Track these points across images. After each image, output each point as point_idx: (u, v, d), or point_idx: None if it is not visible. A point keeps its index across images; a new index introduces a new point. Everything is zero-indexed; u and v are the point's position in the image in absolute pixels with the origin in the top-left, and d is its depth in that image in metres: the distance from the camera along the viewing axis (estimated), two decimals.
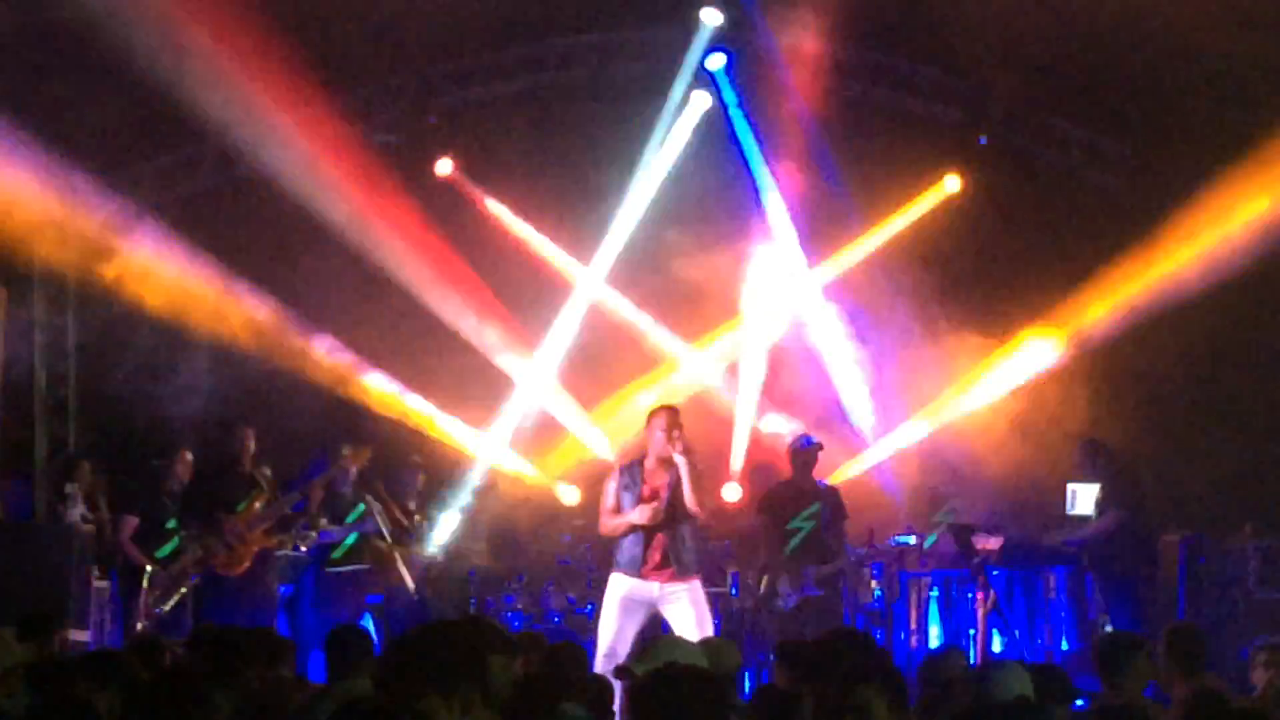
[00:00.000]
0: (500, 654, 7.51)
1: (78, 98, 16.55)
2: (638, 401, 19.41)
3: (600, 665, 13.03)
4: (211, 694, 7.26)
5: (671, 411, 14.32)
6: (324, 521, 16.84)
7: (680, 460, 13.90)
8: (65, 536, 15.32)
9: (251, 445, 16.45)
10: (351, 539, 17.06)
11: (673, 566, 14.01)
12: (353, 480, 17.19)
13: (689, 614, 13.89)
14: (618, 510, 14.16)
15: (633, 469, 14.29)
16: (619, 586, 14.10)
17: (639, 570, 14.02)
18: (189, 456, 16.86)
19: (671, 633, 13.16)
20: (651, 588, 14.02)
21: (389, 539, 17.11)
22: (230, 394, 18.32)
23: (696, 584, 14.22)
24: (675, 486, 13.99)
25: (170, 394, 18.33)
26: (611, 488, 14.32)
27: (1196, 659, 10.63)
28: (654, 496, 14.05)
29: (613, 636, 13.70)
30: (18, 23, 14.85)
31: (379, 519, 17.01)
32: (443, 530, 18.61)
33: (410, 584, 17.21)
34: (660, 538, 14.03)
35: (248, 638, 10.12)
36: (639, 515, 13.99)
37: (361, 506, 17.08)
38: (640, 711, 6.40)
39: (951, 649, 10.65)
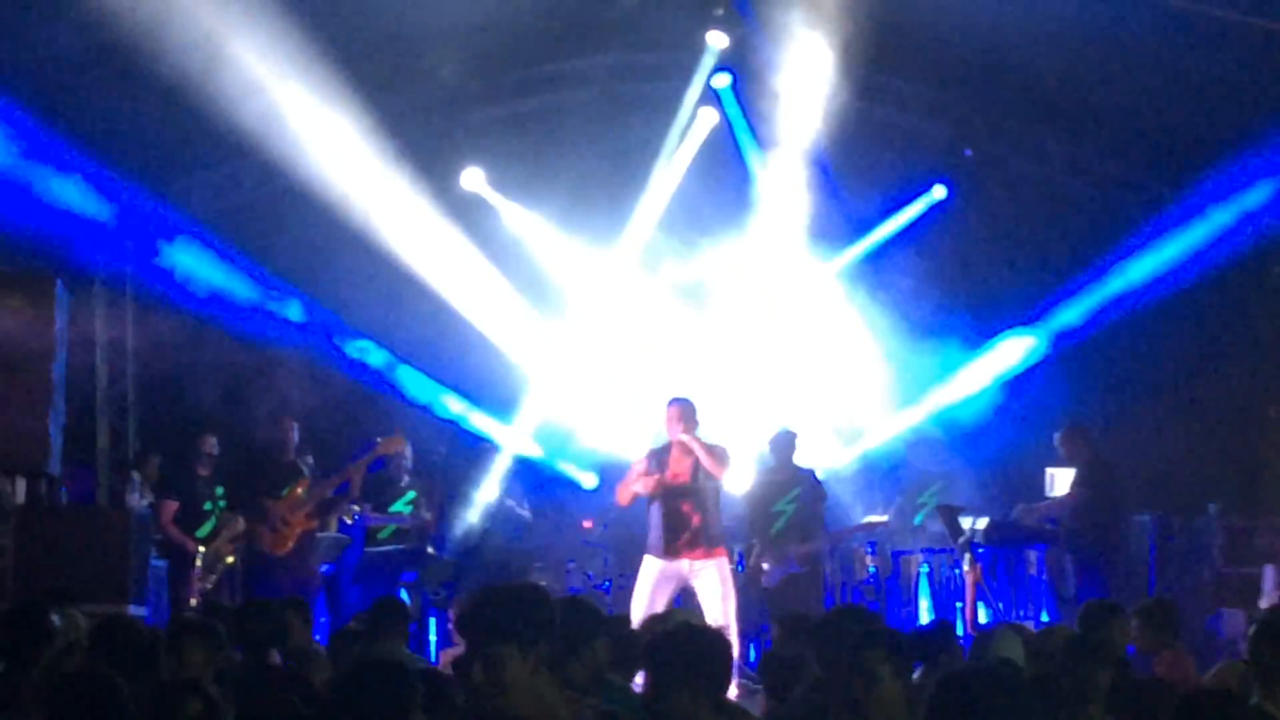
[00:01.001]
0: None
1: (133, 115, 16.60)
2: (650, 393, 19.50)
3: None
4: None
5: (682, 403, 14.49)
6: (368, 508, 16.97)
7: (688, 439, 14.18)
8: (125, 520, 15.30)
9: (294, 436, 16.49)
10: (391, 528, 17.16)
11: (701, 545, 14.24)
12: (407, 469, 17.28)
13: (715, 589, 14.11)
14: (651, 494, 14.40)
15: (659, 454, 14.52)
16: (651, 566, 14.34)
17: (669, 549, 14.24)
18: (212, 440, 16.89)
19: (683, 608, 13.28)
20: (681, 565, 14.25)
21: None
22: (273, 389, 18.36)
23: (723, 560, 14.44)
24: (696, 469, 14.23)
25: (217, 389, 18.40)
26: (638, 468, 14.56)
27: (1170, 630, 10.73)
28: (676, 480, 14.27)
29: (644, 611, 13.71)
30: (78, 44, 14.85)
31: (423, 509, 17.22)
32: (474, 514, 18.66)
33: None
34: (686, 519, 14.26)
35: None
36: (640, 485, 14.35)
37: (412, 494, 17.18)
38: (656, 662, 6.47)
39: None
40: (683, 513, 14.28)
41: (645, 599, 14.07)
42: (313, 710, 7.16)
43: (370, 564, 17.17)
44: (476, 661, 5.72)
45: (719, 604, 13.69)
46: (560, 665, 7.14)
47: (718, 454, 14.37)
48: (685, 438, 14.24)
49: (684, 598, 14.35)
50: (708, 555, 14.24)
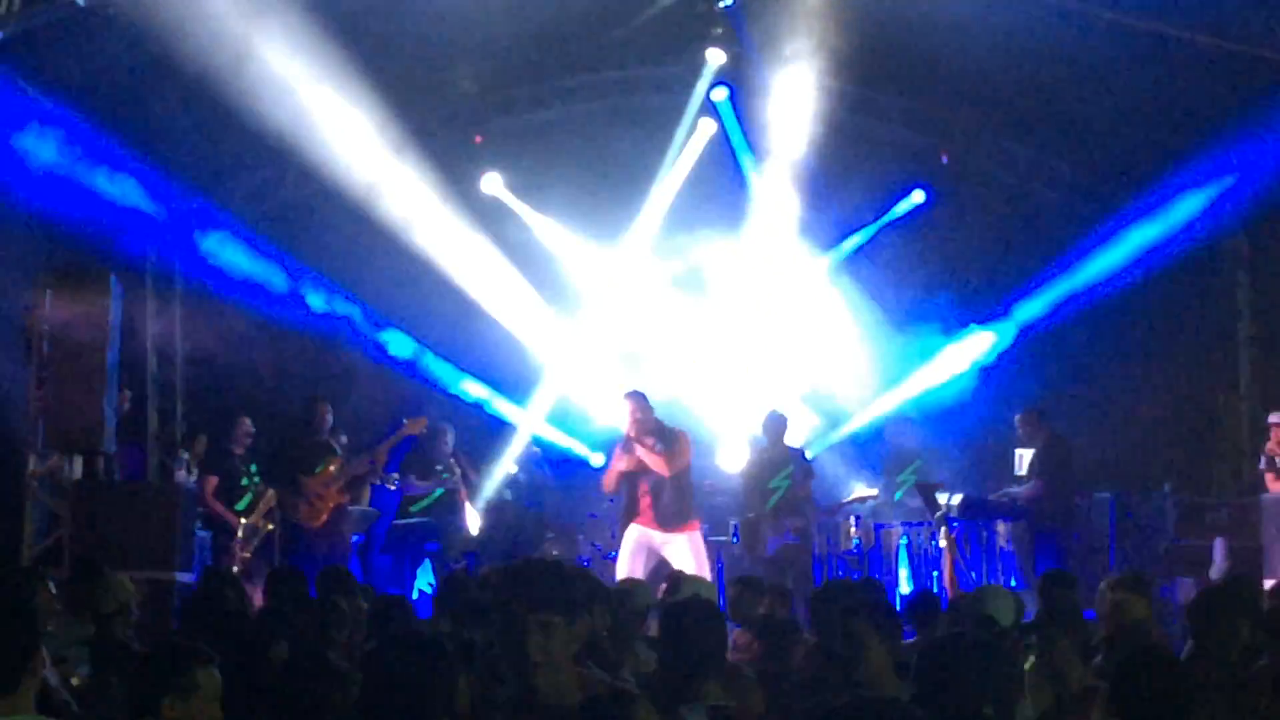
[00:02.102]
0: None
1: (182, 122, 16.61)
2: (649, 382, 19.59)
3: None
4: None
5: (633, 396, 15.01)
6: (411, 478, 17.10)
7: (634, 442, 14.67)
8: (173, 494, 15.32)
9: (328, 418, 16.53)
10: (438, 492, 17.26)
11: (665, 520, 14.67)
12: (448, 452, 17.40)
13: (687, 559, 14.34)
14: (613, 475, 14.99)
15: (628, 443, 14.87)
16: (630, 533, 14.83)
17: (637, 523, 14.76)
18: (247, 422, 16.96)
19: (667, 569, 13.46)
20: (652, 535, 14.74)
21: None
22: (309, 375, 18.38)
23: (693, 534, 14.80)
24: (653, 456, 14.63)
25: (256, 375, 18.43)
26: (615, 454, 15.02)
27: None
28: (638, 466, 14.71)
29: (625, 571, 14.21)
30: (131, 59, 14.85)
31: (457, 479, 17.55)
32: (490, 489, 18.70)
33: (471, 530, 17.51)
34: (646, 497, 14.75)
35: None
36: (614, 473, 14.98)
37: (445, 475, 17.31)
38: (669, 629, 6.51)
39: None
40: (643, 493, 14.73)
41: (626, 561, 14.59)
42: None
43: (397, 535, 17.24)
44: (530, 629, 5.57)
45: (692, 569, 13.79)
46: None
47: (664, 450, 14.67)
48: (632, 438, 14.65)
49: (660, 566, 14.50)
50: (674, 529, 14.65)
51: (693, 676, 6.32)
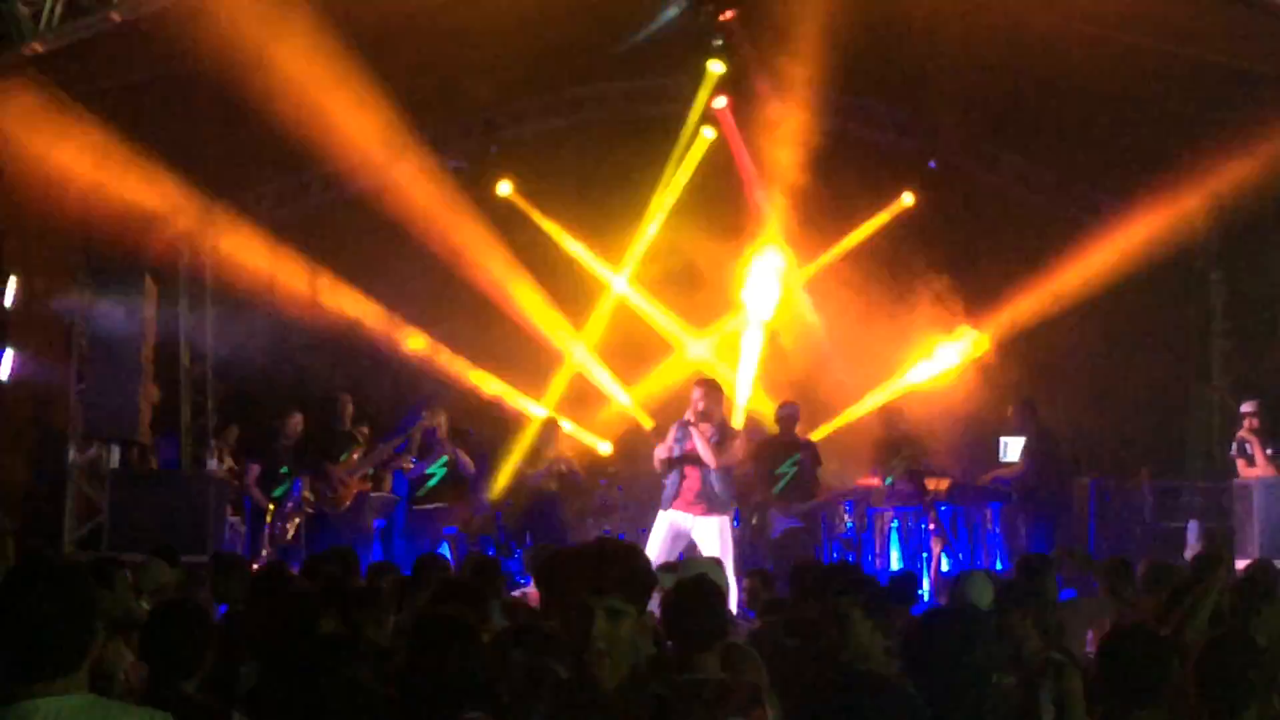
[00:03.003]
0: None
1: (212, 133, 16.64)
2: (659, 373, 19.64)
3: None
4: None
5: (700, 382, 14.77)
6: (421, 465, 17.20)
7: (695, 432, 14.33)
8: (205, 482, 15.38)
9: (350, 410, 16.58)
10: (440, 471, 17.22)
11: (703, 504, 14.37)
12: (442, 436, 17.41)
13: (715, 542, 14.20)
14: (668, 454, 14.54)
15: (685, 425, 14.58)
16: (664, 519, 14.51)
17: (676, 505, 14.43)
18: (298, 415, 16.97)
19: (696, 552, 13.40)
20: (688, 519, 14.40)
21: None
22: (331, 370, 18.40)
23: (725, 520, 14.56)
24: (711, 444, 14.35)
25: (281, 369, 18.45)
26: (670, 438, 14.67)
27: (1132, 582, 10.85)
28: (689, 450, 14.43)
29: (657, 556, 13.73)
30: (163, 72, 14.88)
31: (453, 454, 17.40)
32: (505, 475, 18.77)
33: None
34: (692, 481, 14.40)
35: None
36: (665, 453, 14.53)
37: (444, 459, 17.28)
38: (671, 605, 6.50)
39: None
40: (689, 477, 14.41)
41: (659, 547, 14.19)
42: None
43: (415, 519, 17.25)
44: (597, 612, 5.38)
45: (718, 555, 13.68)
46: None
47: (720, 445, 14.44)
48: (693, 429, 14.36)
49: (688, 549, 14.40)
50: (708, 513, 14.37)
51: (690, 651, 6.31)
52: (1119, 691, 5.07)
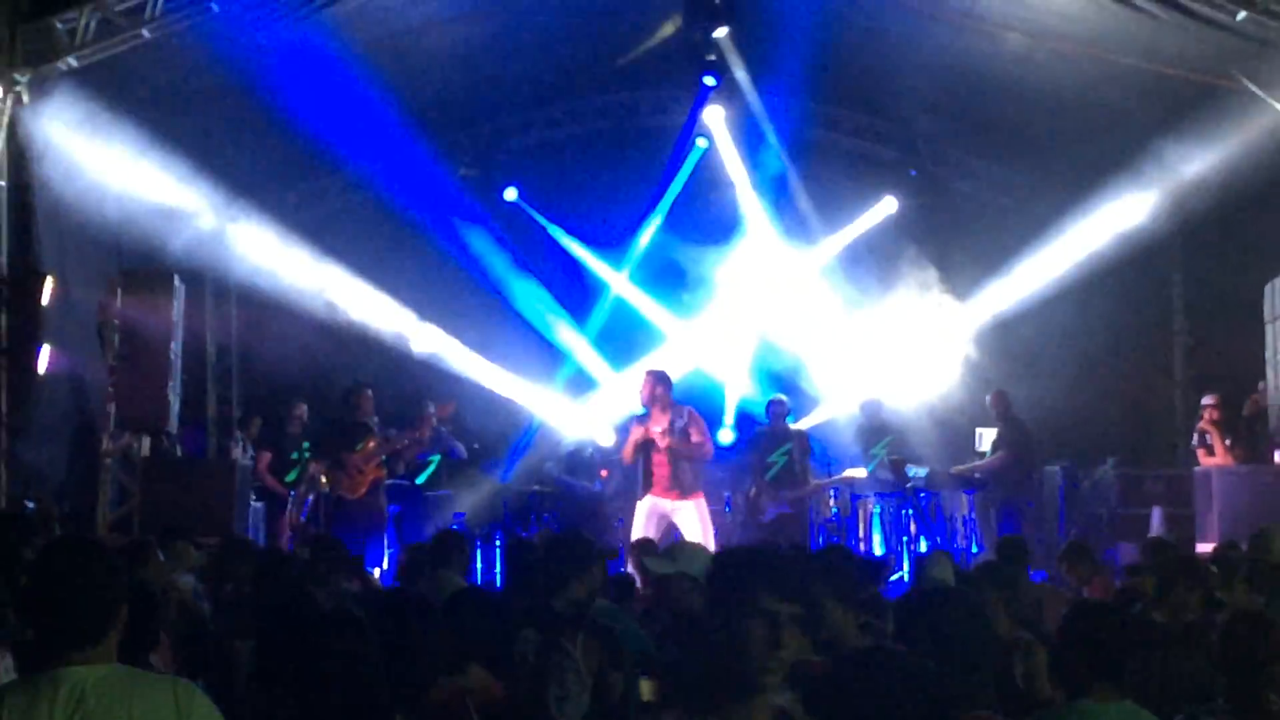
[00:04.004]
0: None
1: (236, 140, 16.67)
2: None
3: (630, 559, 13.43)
4: None
5: (651, 373, 14.87)
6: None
7: (660, 432, 14.42)
8: (230, 470, 15.40)
9: (365, 402, 16.65)
10: (435, 460, 17.46)
11: (676, 489, 14.44)
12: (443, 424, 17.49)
13: (695, 526, 14.25)
14: (631, 446, 14.68)
15: (643, 418, 14.72)
16: (644, 503, 14.58)
17: (648, 492, 14.52)
18: (303, 406, 17.02)
19: (684, 539, 13.40)
20: (662, 504, 14.48)
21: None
22: (348, 366, 18.42)
23: (700, 502, 14.59)
24: (670, 431, 14.44)
25: (302, 365, 18.50)
26: (632, 427, 14.82)
27: (1092, 562, 11.26)
28: (651, 438, 14.49)
29: (640, 532, 14.04)
30: (192, 83, 14.92)
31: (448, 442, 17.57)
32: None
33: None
34: (663, 468, 14.48)
35: None
36: (631, 444, 14.69)
37: (437, 458, 17.40)
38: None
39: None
40: (657, 464, 14.50)
41: (640, 527, 14.33)
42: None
43: (427, 506, 17.30)
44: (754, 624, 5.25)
45: (699, 537, 13.74)
46: (562, 588, 7.19)
47: (691, 432, 14.53)
48: (657, 431, 14.42)
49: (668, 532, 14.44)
50: (683, 497, 14.47)
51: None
52: (1078, 666, 5.08)
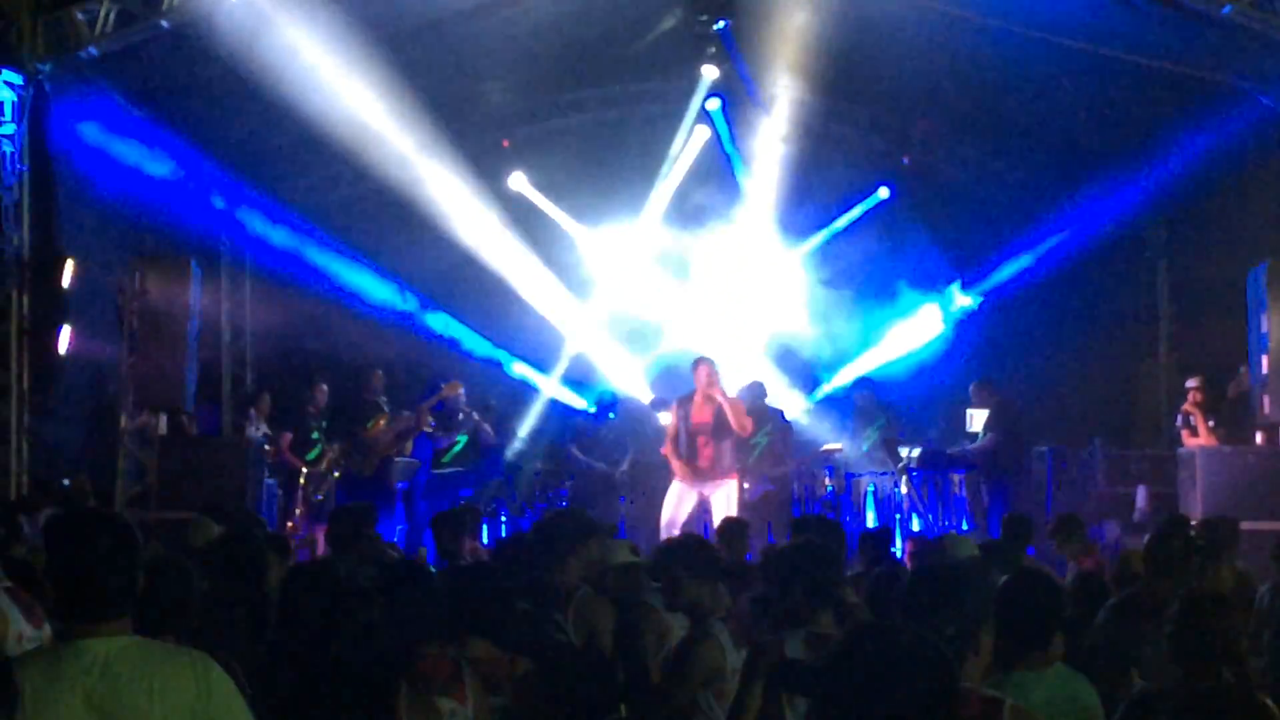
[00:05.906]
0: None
1: (252, 128, 16.65)
2: (660, 351, 19.64)
3: (662, 531, 14.10)
4: None
5: (704, 361, 14.77)
6: (439, 433, 17.20)
7: (721, 400, 14.51)
8: (244, 447, 15.38)
9: (380, 383, 16.65)
10: (462, 440, 17.40)
11: (717, 470, 14.60)
12: (462, 404, 17.41)
13: (724, 504, 14.35)
14: (675, 432, 14.73)
15: (684, 401, 14.82)
16: (676, 485, 14.73)
17: (688, 474, 14.61)
18: (324, 386, 16.98)
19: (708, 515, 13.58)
20: (700, 485, 14.62)
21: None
22: (360, 347, 18.39)
23: (734, 482, 14.74)
24: (718, 415, 14.48)
25: (315, 344, 18.49)
26: (673, 417, 14.93)
27: (1083, 537, 11.23)
28: (697, 421, 14.58)
29: (672, 511, 14.42)
30: (209, 73, 14.88)
31: (476, 423, 17.59)
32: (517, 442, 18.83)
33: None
34: (707, 449, 14.55)
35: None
36: (671, 430, 14.78)
37: (463, 438, 17.35)
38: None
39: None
40: (699, 446, 14.56)
41: (673, 503, 14.52)
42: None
43: (435, 483, 17.28)
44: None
45: (727, 512, 13.80)
46: (560, 563, 7.17)
47: (738, 410, 14.65)
48: (719, 398, 14.50)
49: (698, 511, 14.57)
50: (721, 477, 14.59)
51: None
52: (1011, 633, 5.10)
